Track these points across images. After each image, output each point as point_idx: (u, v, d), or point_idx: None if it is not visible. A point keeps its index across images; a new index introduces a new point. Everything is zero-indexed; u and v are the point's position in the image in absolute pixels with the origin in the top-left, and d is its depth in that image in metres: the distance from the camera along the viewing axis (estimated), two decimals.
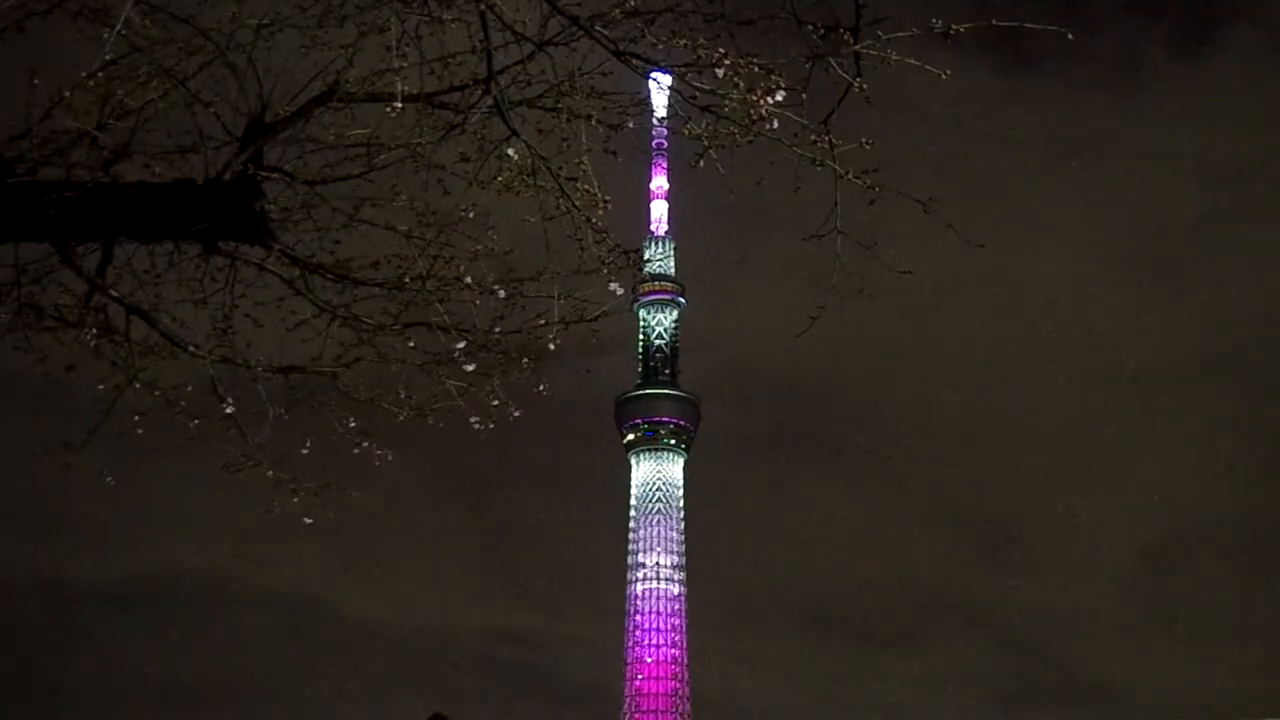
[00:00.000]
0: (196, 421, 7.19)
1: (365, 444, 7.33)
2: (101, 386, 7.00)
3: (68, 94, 6.36)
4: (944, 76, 6.56)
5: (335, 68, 6.60)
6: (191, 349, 7.03)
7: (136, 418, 7.11)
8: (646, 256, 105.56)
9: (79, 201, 6.40)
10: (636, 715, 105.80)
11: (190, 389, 7.17)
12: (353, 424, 7.29)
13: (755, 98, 6.30)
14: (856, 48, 6.32)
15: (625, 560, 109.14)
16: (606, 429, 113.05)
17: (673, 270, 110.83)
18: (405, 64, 6.51)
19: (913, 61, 6.47)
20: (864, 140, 6.54)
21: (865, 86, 6.42)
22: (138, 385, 7.03)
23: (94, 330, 6.84)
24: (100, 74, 6.39)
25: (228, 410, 7.16)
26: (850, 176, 6.55)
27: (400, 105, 6.48)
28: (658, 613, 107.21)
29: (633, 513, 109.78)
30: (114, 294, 6.84)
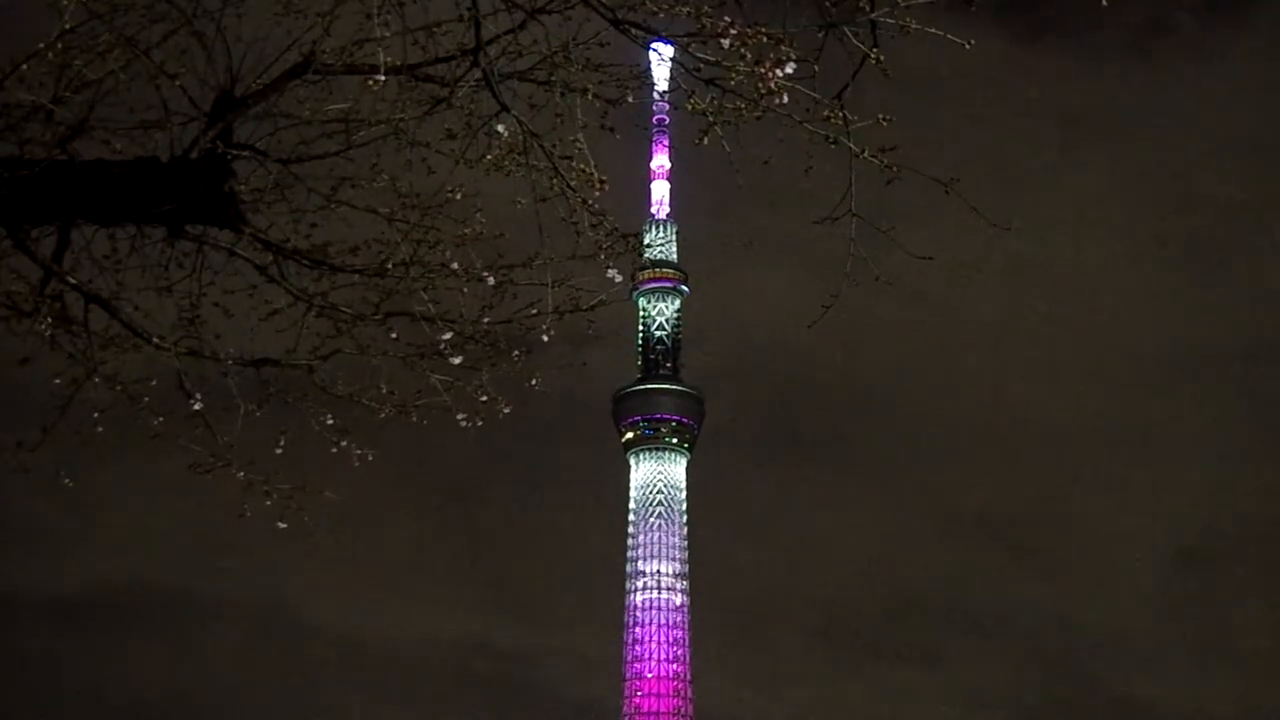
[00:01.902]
0: (161, 419, 7.18)
1: (344, 443, 7.31)
2: (58, 381, 6.99)
3: (24, 66, 6.32)
4: (967, 47, 6.55)
5: (310, 37, 6.57)
6: (155, 340, 7.01)
7: (96, 415, 7.09)
8: (646, 241, 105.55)
9: (33, 181, 6.39)
10: None
11: (154, 384, 7.15)
12: (330, 421, 7.28)
13: (764, 70, 6.28)
14: (873, 16, 6.30)
15: (623, 568, 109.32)
16: (603, 427, 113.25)
17: (675, 256, 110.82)
18: (387, 33, 6.49)
19: (934, 30, 6.45)
20: (881, 116, 6.52)
21: (882, 58, 6.40)
22: (97, 379, 7.02)
23: (50, 320, 6.82)
24: (57, 43, 6.35)
25: (195, 407, 7.15)
26: (867, 155, 6.53)
27: (382, 78, 6.46)
28: (659, 624, 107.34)
29: (632, 517, 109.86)
30: (72, 281, 6.82)
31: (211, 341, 7.10)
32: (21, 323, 6.81)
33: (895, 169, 6.54)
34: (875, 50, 6.40)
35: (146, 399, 7.14)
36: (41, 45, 6.33)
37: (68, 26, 6.29)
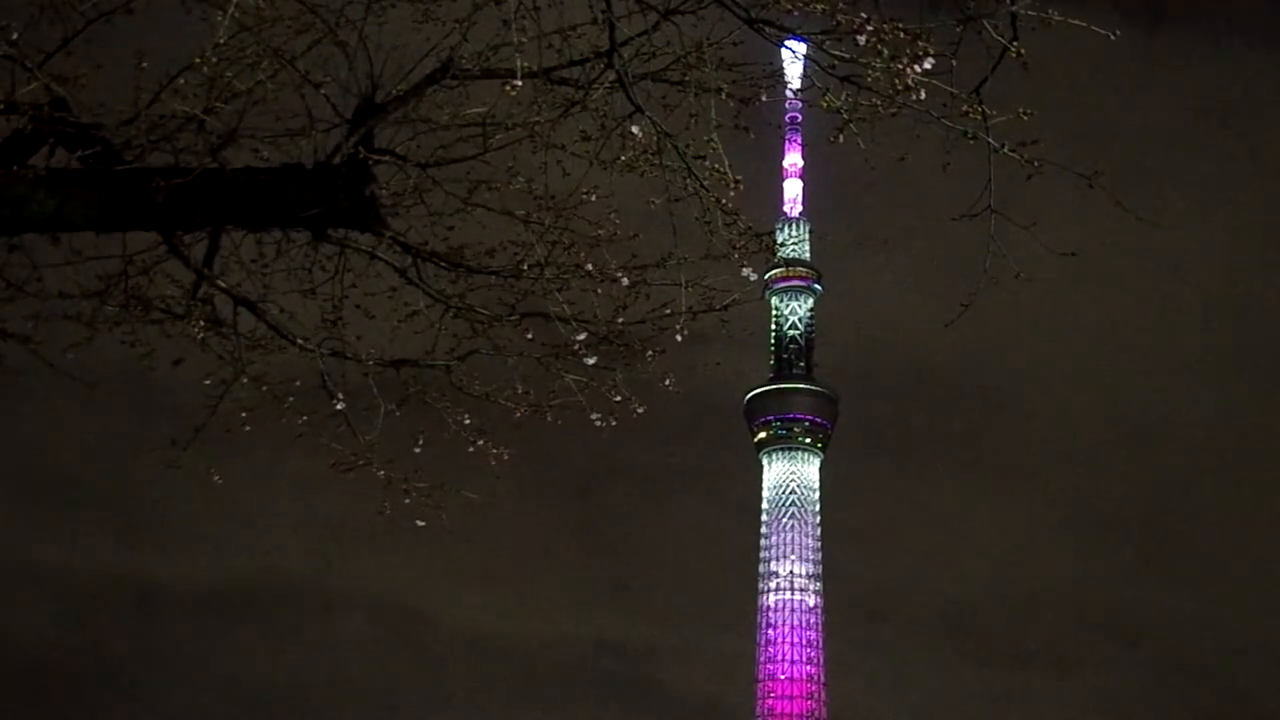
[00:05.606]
0: (305, 418, 7.39)
1: (480, 442, 7.44)
2: (208, 381, 7.24)
3: (181, 81, 6.55)
4: (1112, 37, 6.41)
5: (449, 43, 6.69)
6: (300, 342, 7.22)
7: (244, 415, 7.33)
8: (780, 240, 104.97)
9: (186, 188, 6.61)
10: None
11: (298, 384, 7.37)
12: (467, 421, 7.40)
13: (901, 66, 6.21)
14: (1014, 8, 6.19)
15: (755, 569, 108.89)
16: (734, 427, 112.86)
17: (808, 254, 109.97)
18: (523, 38, 6.55)
19: (1076, 22, 6.31)
20: (1022, 110, 6.41)
21: (1022, 50, 6.29)
22: (245, 380, 7.25)
23: (201, 322, 7.08)
24: (210, 56, 6.57)
25: (337, 406, 7.34)
26: (1006, 150, 6.42)
27: (519, 82, 6.52)
28: (792, 626, 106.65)
29: (764, 518, 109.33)
30: (221, 285, 7.07)
31: (353, 343, 7.28)
32: (175, 325, 7.09)
33: (1036, 163, 6.43)
34: (1015, 43, 6.28)
35: (291, 399, 7.36)
36: (197, 59, 6.55)
37: (220, 40, 6.50)
